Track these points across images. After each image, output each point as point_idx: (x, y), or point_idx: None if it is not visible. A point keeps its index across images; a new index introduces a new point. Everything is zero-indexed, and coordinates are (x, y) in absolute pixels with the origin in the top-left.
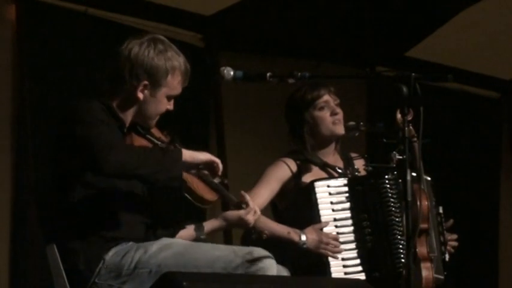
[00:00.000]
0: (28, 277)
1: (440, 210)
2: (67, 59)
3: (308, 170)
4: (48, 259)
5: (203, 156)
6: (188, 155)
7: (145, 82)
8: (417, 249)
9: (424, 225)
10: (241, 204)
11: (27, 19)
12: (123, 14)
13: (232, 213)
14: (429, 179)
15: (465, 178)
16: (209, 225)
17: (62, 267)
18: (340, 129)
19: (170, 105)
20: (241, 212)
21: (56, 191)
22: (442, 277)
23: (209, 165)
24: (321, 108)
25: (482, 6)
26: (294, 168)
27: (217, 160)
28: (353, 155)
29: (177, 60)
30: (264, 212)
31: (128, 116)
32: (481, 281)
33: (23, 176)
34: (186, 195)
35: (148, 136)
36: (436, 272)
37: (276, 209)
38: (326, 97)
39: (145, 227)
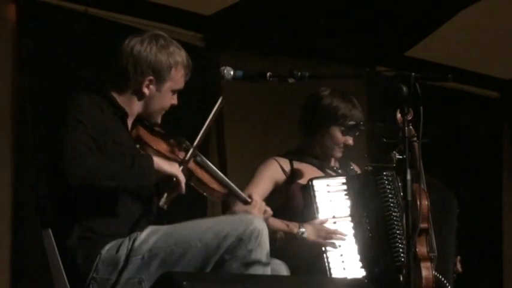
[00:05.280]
0: (29, 276)
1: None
2: (67, 59)
3: (304, 170)
4: (48, 257)
5: (169, 168)
6: (157, 164)
7: (151, 77)
8: (417, 249)
9: (424, 225)
10: (248, 198)
11: (27, 19)
12: (123, 14)
13: (240, 209)
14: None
15: (465, 178)
16: None
17: (61, 266)
18: (338, 154)
19: (174, 100)
20: (248, 207)
21: (56, 190)
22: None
23: (170, 179)
24: (343, 133)
25: (482, 6)
26: (287, 167)
27: (181, 178)
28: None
29: (179, 55)
30: None
31: (133, 108)
32: (485, 281)
33: (23, 175)
34: (193, 185)
35: (156, 129)
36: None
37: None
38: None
39: (141, 221)
